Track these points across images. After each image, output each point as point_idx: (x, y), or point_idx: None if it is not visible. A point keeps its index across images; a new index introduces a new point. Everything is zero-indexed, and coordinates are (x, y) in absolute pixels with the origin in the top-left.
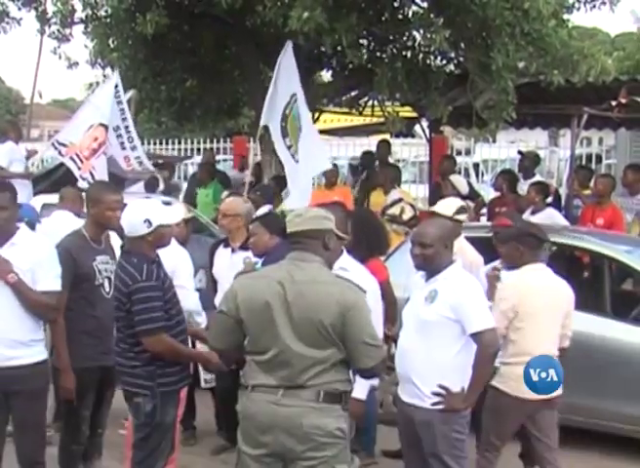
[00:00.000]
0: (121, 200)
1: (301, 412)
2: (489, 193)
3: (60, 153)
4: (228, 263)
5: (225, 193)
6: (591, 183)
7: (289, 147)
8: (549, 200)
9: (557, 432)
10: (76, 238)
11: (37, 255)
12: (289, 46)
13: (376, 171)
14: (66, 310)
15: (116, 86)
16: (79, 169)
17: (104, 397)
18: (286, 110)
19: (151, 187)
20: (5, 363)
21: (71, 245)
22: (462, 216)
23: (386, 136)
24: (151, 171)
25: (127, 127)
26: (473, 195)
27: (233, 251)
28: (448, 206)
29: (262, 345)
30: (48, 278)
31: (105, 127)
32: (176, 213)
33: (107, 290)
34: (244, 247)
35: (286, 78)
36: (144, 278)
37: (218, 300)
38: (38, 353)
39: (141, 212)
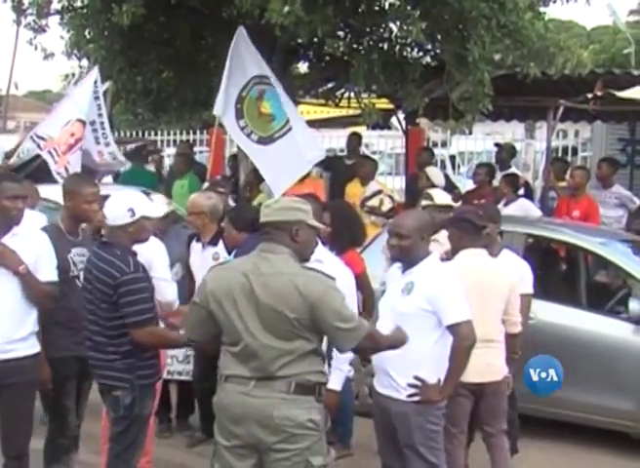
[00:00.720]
0: (98, 192)
1: (272, 403)
2: (465, 185)
3: (38, 146)
4: (200, 258)
5: (206, 185)
6: (567, 176)
7: (242, 128)
8: (521, 192)
9: (502, 420)
10: (51, 231)
11: (40, 247)
12: (241, 31)
13: (344, 163)
14: None
15: (95, 82)
16: (55, 163)
17: (82, 389)
18: (242, 92)
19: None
20: (3, 356)
21: None
22: None
23: (357, 129)
24: (123, 163)
25: (102, 123)
26: (450, 187)
27: (204, 246)
28: (445, 195)
29: (233, 337)
30: (49, 269)
31: (83, 122)
32: (159, 206)
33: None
34: (212, 242)
35: (242, 62)
36: (132, 270)
37: None
38: (33, 345)
39: (126, 201)
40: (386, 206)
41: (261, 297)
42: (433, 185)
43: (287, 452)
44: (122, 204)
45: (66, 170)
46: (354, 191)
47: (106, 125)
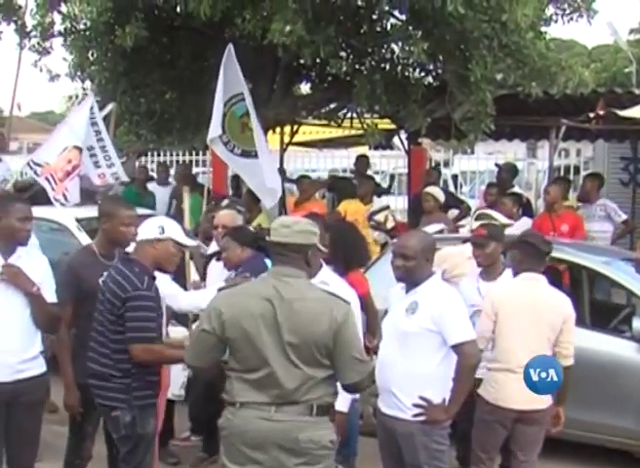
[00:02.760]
0: (135, 215)
1: (297, 427)
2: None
3: (35, 173)
4: (220, 277)
5: (225, 202)
6: (570, 194)
7: (225, 143)
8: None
9: (536, 450)
10: (83, 254)
11: (43, 268)
12: (230, 49)
13: (353, 184)
14: (72, 326)
15: (91, 107)
16: (52, 190)
17: None
18: (224, 109)
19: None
20: (16, 376)
21: (76, 261)
22: None
23: (365, 152)
24: (126, 181)
25: (103, 147)
26: (455, 203)
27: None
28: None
29: (252, 364)
30: (51, 290)
31: (80, 149)
32: (191, 240)
33: None
34: None
35: (229, 79)
36: (145, 287)
37: None
38: (42, 364)
39: (159, 220)
40: (390, 223)
41: (287, 323)
42: (440, 205)
43: None
44: (155, 221)
45: (64, 196)
46: (356, 208)
47: (109, 148)
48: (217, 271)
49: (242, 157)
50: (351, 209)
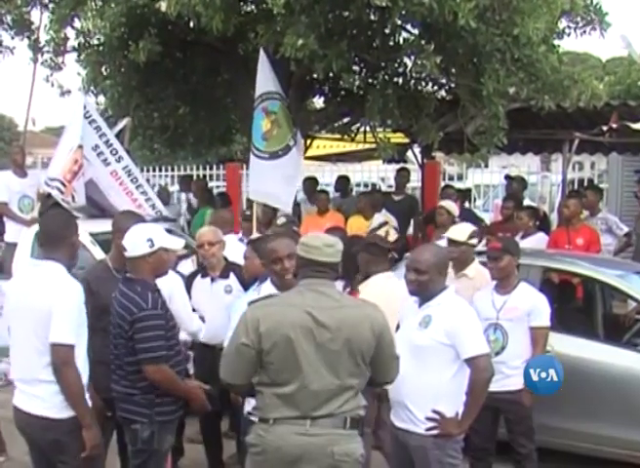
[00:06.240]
0: None
1: (332, 440)
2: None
3: (58, 190)
4: (209, 293)
5: (283, 220)
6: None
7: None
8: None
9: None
10: (99, 269)
11: None
12: (263, 55)
13: (392, 199)
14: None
15: (84, 106)
16: (62, 193)
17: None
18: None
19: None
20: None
21: (91, 276)
22: (475, 241)
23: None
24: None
25: (107, 141)
26: (475, 220)
27: (213, 280)
28: (461, 231)
29: (285, 377)
30: None
31: (82, 148)
32: (178, 241)
33: None
34: (224, 275)
35: (260, 82)
36: (150, 306)
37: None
38: None
39: (145, 231)
40: (392, 237)
41: (328, 333)
42: (454, 219)
43: None
44: (141, 234)
45: (73, 198)
46: (358, 225)
47: (113, 141)
48: (203, 287)
49: (270, 160)
50: (355, 225)
